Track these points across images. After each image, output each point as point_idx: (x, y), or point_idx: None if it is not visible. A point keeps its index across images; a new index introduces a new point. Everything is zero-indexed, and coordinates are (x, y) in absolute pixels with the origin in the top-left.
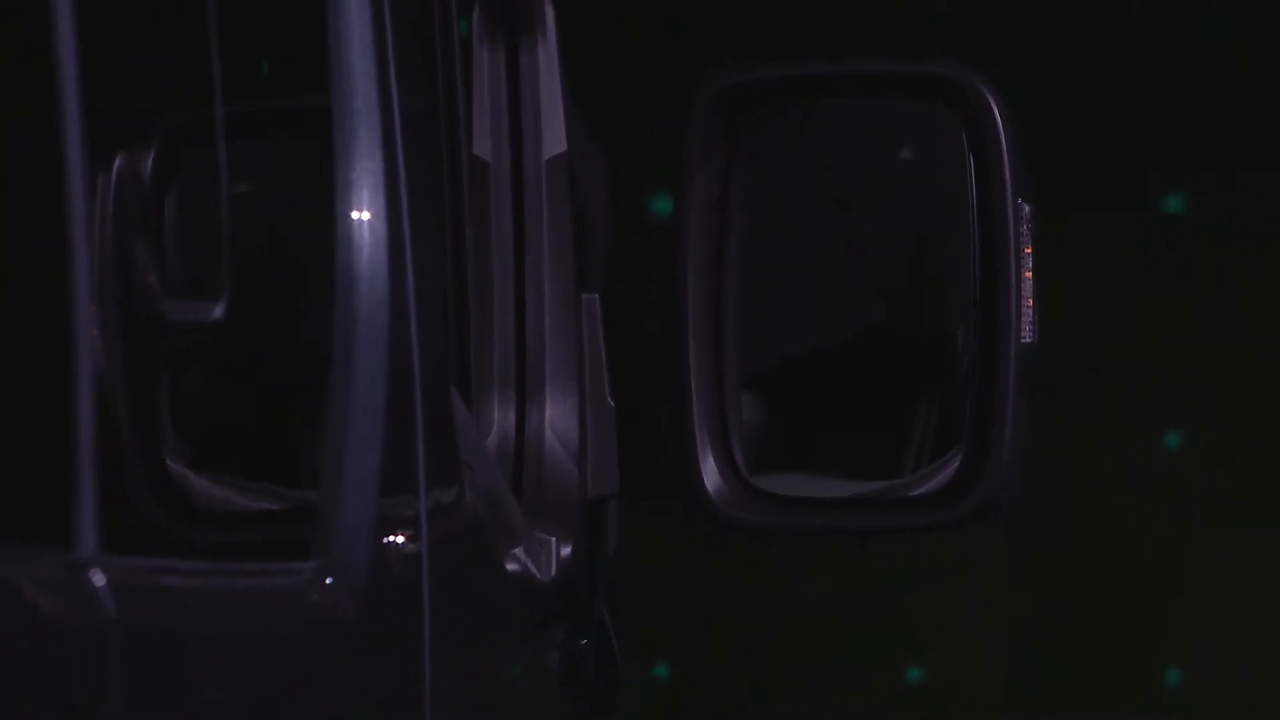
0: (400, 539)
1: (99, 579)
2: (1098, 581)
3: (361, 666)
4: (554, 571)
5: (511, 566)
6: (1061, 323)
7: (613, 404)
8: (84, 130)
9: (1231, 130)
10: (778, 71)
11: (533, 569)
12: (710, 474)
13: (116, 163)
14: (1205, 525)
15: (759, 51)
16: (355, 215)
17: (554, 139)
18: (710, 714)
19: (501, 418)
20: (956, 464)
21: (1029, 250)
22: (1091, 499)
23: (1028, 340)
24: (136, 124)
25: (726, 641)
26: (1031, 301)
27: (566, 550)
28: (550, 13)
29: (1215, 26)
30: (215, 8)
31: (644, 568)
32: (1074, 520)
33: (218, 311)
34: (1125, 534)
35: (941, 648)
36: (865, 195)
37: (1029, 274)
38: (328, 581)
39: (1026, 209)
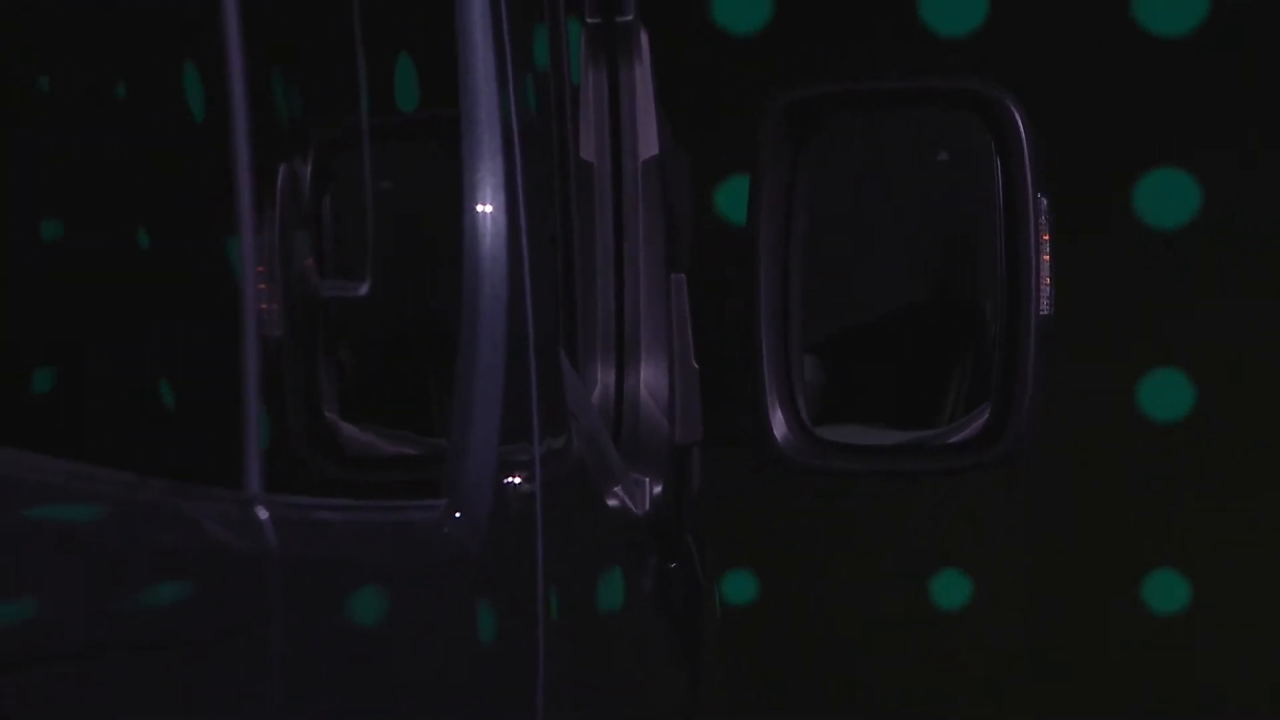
0: (517, 480)
1: (263, 514)
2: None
3: (484, 589)
4: (647, 507)
5: (612, 503)
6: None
7: (697, 366)
8: (255, 138)
9: (1236, 126)
10: (835, 87)
11: (629, 505)
12: (779, 425)
13: (283, 165)
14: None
15: (816, 70)
16: (480, 208)
17: (647, 144)
18: (776, 625)
19: (603, 378)
20: (986, 416)
21: (1046, 237)
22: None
23: (1045, 312)
24: (300, 133)
25: (790, 568)
26: (1048, 280)
27: (658, 489)
28: (645, 39)
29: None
30: (363, 37)
31: (721, 504)
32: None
33: (364, 289)
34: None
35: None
36: (909, 191)
37: (1046, 257)
38: (456, 516)
39: (1044, 202)
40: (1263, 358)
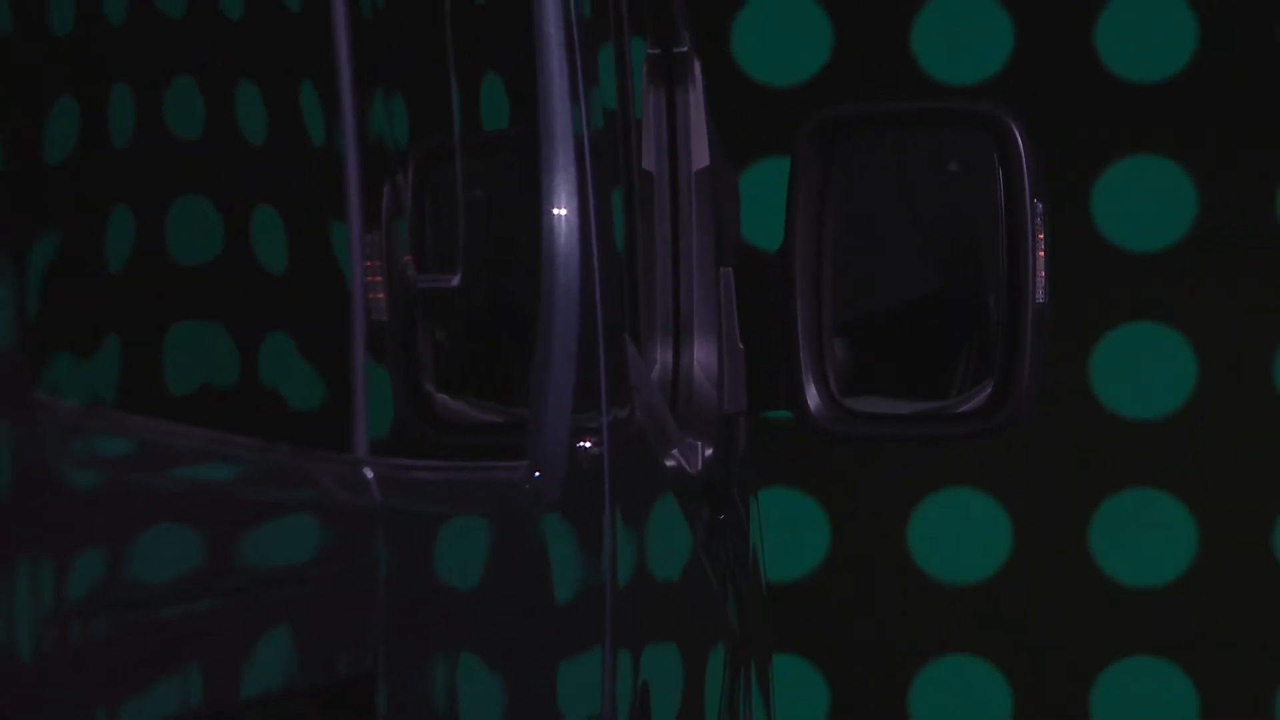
0: (588, 444)
1: (369, 474)
2: None
3: (560, 537)
4: (700, 467)
5: (669, 464)
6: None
7: (742, 347)
8: (364, 153)
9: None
10: (860, 108)
11: (684, 465)
12: (812, 397)
13: (388, 176)
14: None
15: (843, 94)
16: (556, 211)
17: (700, 156)
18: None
19: (662, 356)
20: (990, 389)
21: (1041, 235)
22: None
23: (1040, 301)
24: (402, 148)
25: (819, 517)
26: (1043, 273)
27: (709, 451)
28: (698, 66)
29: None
30: (456, 64)
31: (763, 465)
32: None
33: (456, 281)
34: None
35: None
36: (923, 197)
37: (1041, 253)
38: (535, 475)
39: (1040, 206)
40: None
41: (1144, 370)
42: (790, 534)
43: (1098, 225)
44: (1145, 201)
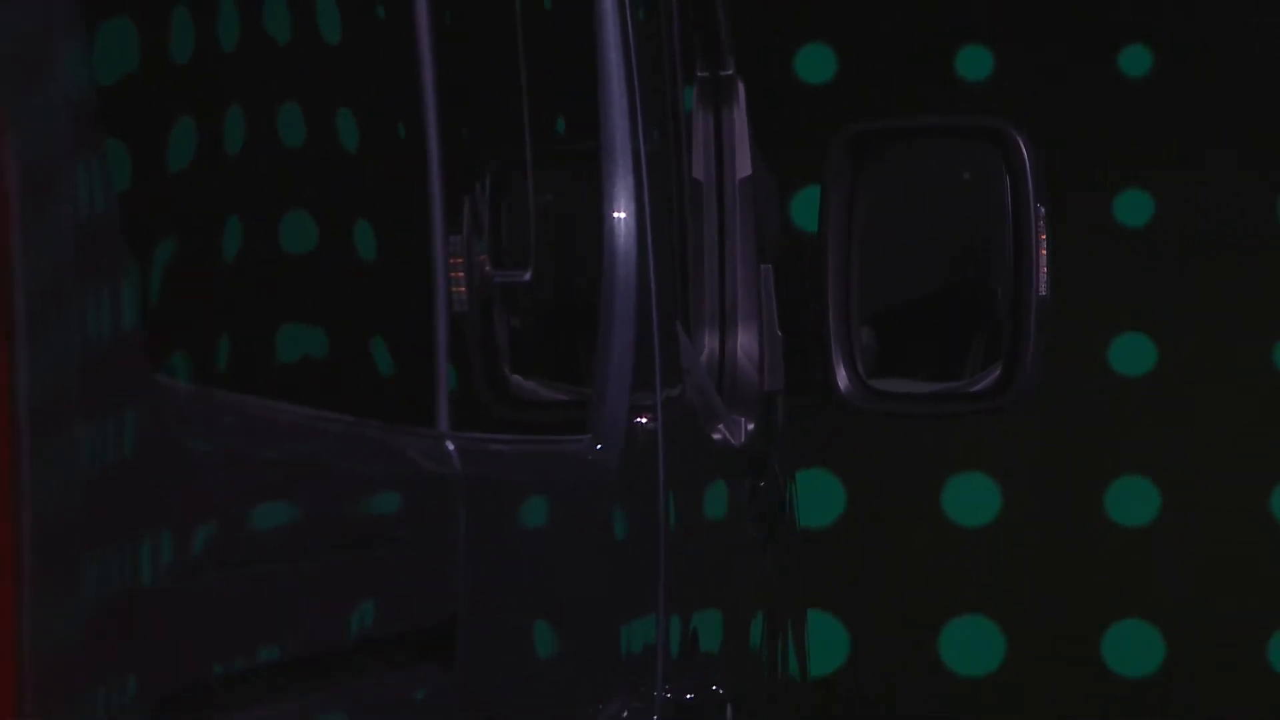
0: (644, 419)
1: (450, 446)
2: None
3: (620, 503)
4: (743, 439)
5: (716, 437)
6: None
7: (780, 334)
8: (447, 164)
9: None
10: (884, 123)
11: (729, 438)
12: (842, 378)
13: (468, 183)
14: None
15: (870, 111)
16: (616, 215)
17: (743, 166)
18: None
19: (710, 342)
20: (998, 371)
21: (1043, 236)
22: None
23: (1043, 294)
24: (480, 158)
25: (868, 484)
26: (1045, 269)
27: (751, 426)
28: (741, 89)
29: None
30: (528, 82)
31: (797, 439)
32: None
33: (527, 276)
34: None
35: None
36: (939, 201)
37: (1044, 251)
38: (598, 447)
39: (1042, 210)
40: (1208, 321)
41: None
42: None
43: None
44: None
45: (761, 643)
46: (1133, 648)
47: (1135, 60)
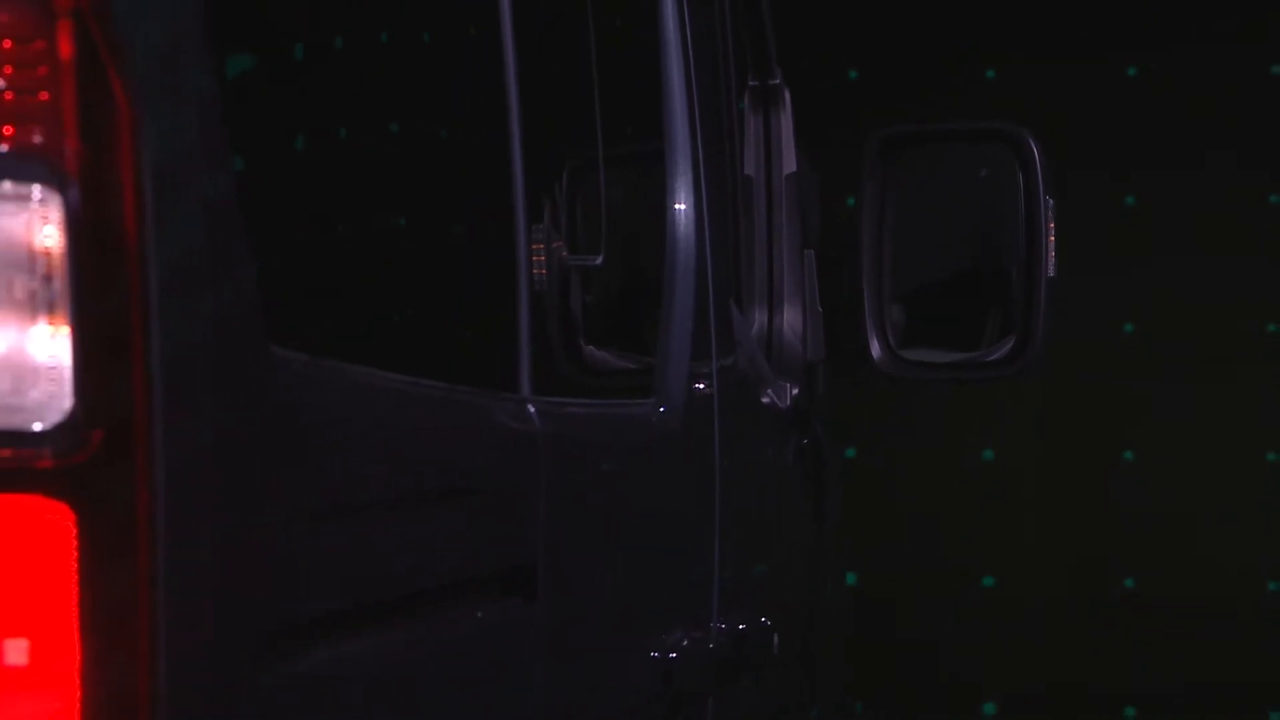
0: (702, 385)
1: (532, 409)
2: None
3: (680, 459)
4: (788, 403)
5: (764, 400)
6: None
7: (821, 310)
8: (529, 162)
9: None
10: (911, 127)
11: (777, 401)
12: (875, 347)
13: (549, 179)
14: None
15: (900, 113)
16: (678, 206)
17: (789, 164)
18: (873, 475)
19: (759, 317)
20: (1011, 342)
21: (1051, 224)
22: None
23: (1051, 275)
24: (560, 157)
25: (881, 442)
26: (1053, 254)
27: (795, 391)
28: (788, 95)
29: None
30: (601, 96)
31: (835, 403)
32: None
33: (599, 260)
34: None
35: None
36: (960, 195)
37: (1052, 238)
38: (661, 410)
39: (1050, 202)
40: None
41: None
42: None
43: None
44: None
45: (808, 581)
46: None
47: (1128, 73)
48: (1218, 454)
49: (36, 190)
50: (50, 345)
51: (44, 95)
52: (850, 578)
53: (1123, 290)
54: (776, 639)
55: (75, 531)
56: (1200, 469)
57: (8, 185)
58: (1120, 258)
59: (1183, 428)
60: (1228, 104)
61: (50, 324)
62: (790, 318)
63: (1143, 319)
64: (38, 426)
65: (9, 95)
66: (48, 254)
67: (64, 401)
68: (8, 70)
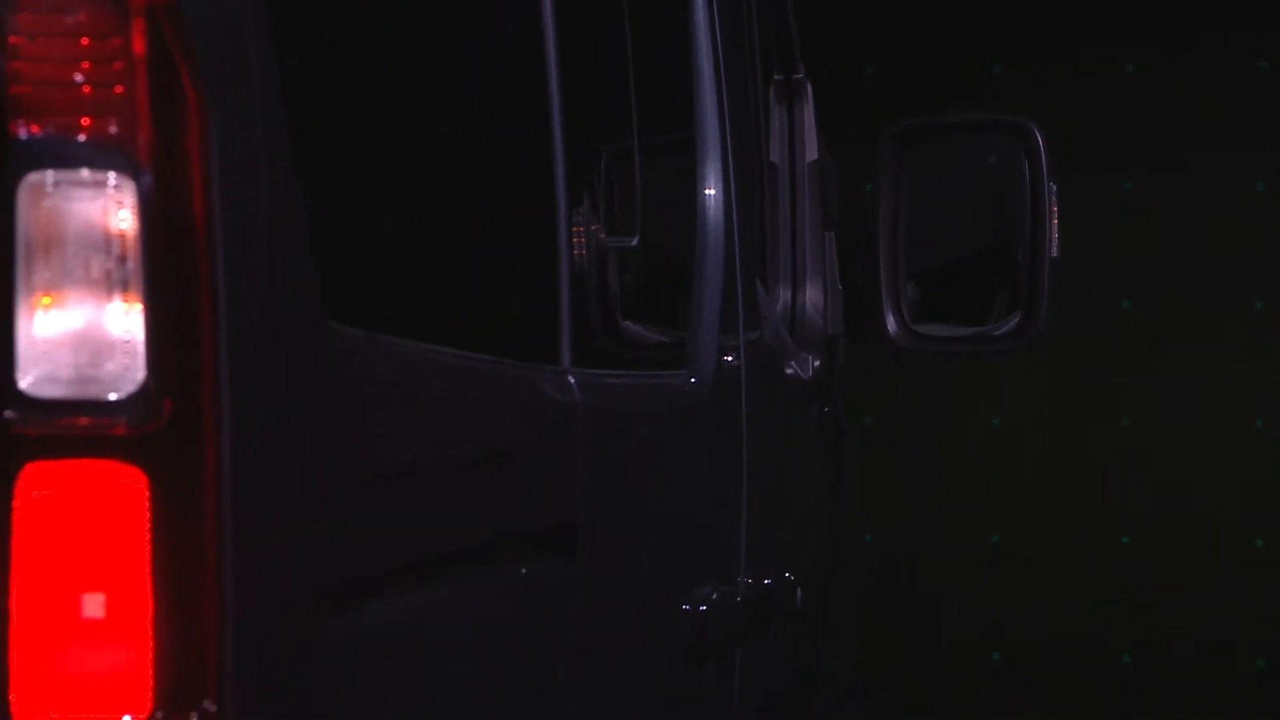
0: (730, 358)
1: (572, 379)
2: None
3: (710, 426)
4: (810, 374)
5: (789, 372)
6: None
7: (841, 287)
8: (570, 151)
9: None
10: (925, 120)
11: (799, 372)
12: (890, 323)
13: (588, 167)
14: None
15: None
16: (709, 191)
17: (811, 152)
18: (891, 442)
19: (783, 294)
20: (1017, 319)
21: (1054, 209)
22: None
23: (1054, 255)
24: (599, 146)
25: (896, 411)
26: (1056, 236)
27: (817, 363)
28: (809, 88)
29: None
30: (637, 90)
31: (853, 374)
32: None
33: (634, 241)
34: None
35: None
36: (971, 181)
37: (1055, 221)
38: (692, 380)
39: (1054, 188)
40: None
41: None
42: None
43: None
44: None
45: (828, 539)
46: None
47: (1126, 70)
48: (1209, 421)
49: (112, 177)
50: (124, 321)
51: (119, 89)
52: (867, 538)
53: (1120, 271)
54: (799, 592)
55: (147, 494)
56: (1191, 435)
57: (85, 173)
58: (1118, 242)
59: (1175, 397)
60: (1216, 96)
61: (124, 302)
62: (812, 295)
63: (1139, 298)
64: (113, 397)
65: (86, 89)
66: (122, 236)
67: (137, 373)
68: (85, 66)
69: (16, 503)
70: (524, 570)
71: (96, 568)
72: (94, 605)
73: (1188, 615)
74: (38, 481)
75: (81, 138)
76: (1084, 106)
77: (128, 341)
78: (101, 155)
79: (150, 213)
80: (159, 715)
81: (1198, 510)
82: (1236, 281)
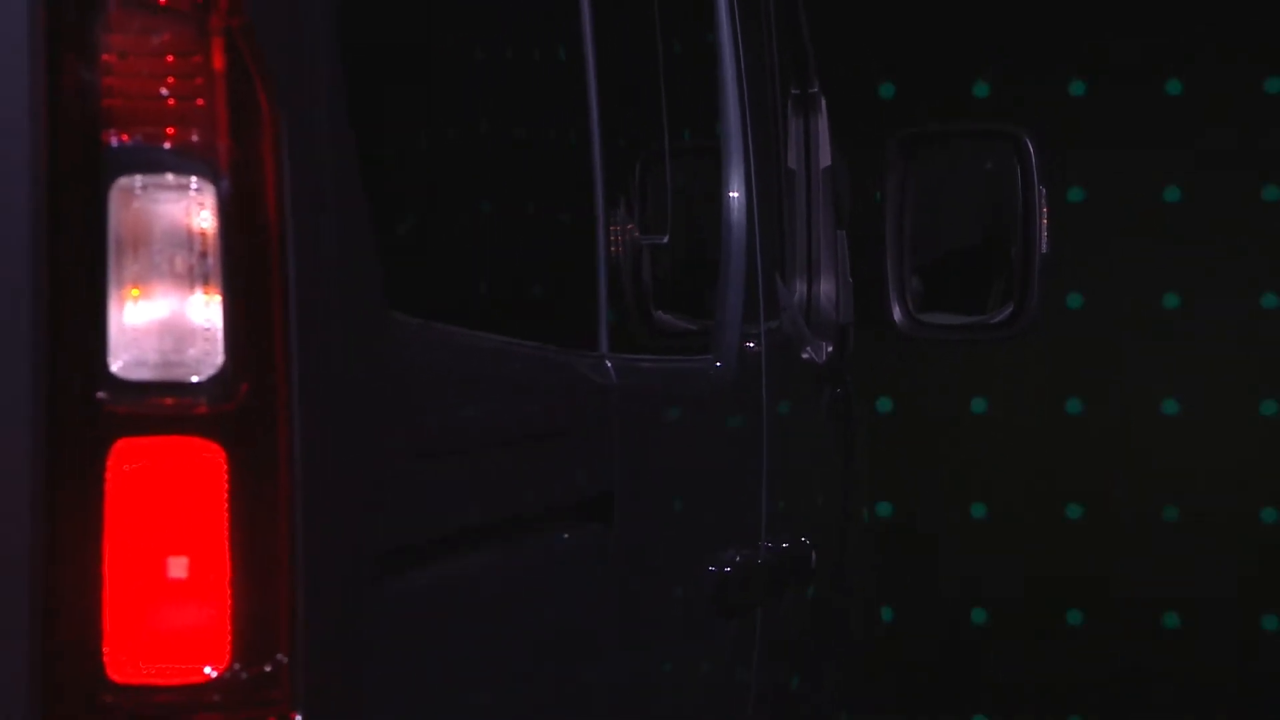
0: (752, 344)
1: (609, 364)
2: None
3: (733, 406)
4: (824, 359)
5: (804, 356)
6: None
7: (851, 281)
8: (607, 155)
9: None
10: (928, 128)
11: (814, 357)
12: (897, 312)
13: (624, 170)
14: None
15: (919, 118)
16: (732, 194)
17: (825, 159)
18: (902, 425)
19: (799, 287)
20: (1010, 309)
21: (1044, 209)
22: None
23: (1044, 251)
24: (632, 151)
25: (909, 393)
26: (1045, 234)
27: (829, 349)
28: (823, 102)
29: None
30: (668, 100)
31: (862, 359)
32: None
33: (665, 239)
34: None
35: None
36: (969, 183)
37: (1044, 221)
38: (718, 365)
39: (1043, 190)
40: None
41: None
42: None
43: None
44: None
45: (840, 507)
46: None
47: (1077, 88)
48: (1183, 401)
49: (194, 181)
50: (205, 311)
51: (200, 101)
52: (880, 508)
53: (1088, 266)
54: (814, 556)
55: (225, 467)
56: (1159, 414)
57: (170, 177)
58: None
59: (1150, 379)
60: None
61: (205, 293)
62: (825, 287)
63: (1105, 290)
64: (195, 379)
65: (170, 101)
66: (203, 234)
67: (216, 358)
68: (170, 80)
69: (109, 475)
70: (565, 535)
71: (180, 534)
72: (178, 567)
73: (1142, 575)
74: (127, 456)
75: (166, 145)
76: (1085, 121)
77: (208, 329)
78: (184, 161)
79: (228, 213)
80: (236, 666)
81: (1168, 477)
82: (1211, 272)
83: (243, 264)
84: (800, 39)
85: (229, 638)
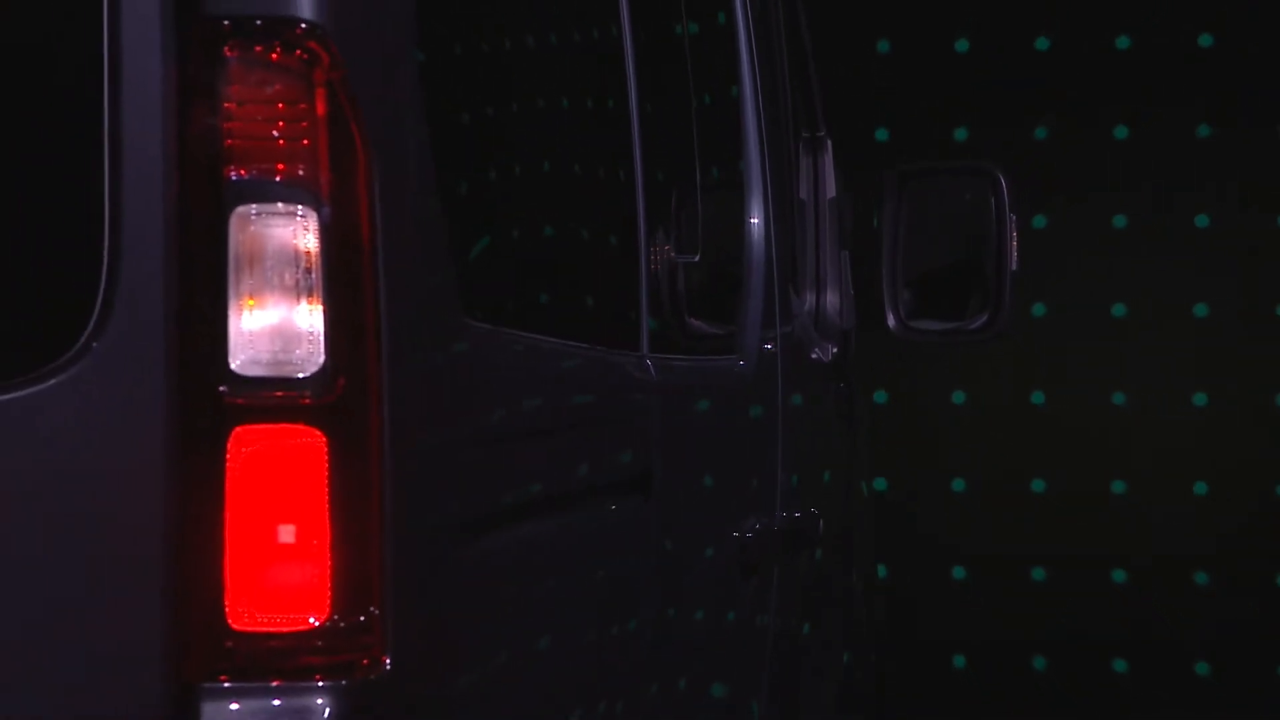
0: (769, 345)
1: (649, 363)
2: None
3: (754, 398)
4: (830, 358)
5: (813, 356)
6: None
7: (852, 292)
8: (647, 185)
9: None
10: (919, 165)
11: (821, 357)
12: (891, 319)
13: (661, 199)
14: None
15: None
16: (752, 220)
17: (830, 190)
18: (901, 418)
19: (809, 297)
20: (986, 316)
21: (1014, 233)
22: None
23: (1014, 268)
24: (665, 181)
25: (901, 387)
26: (1016, 255)
27: (834, 349)
28: (829, 142)
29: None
30: (700, 139)
31: (862, 358)
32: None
33: (697, 257)
34: None
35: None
36: (953, 211)
37: (1014, 243)
38: (740, 364)
39: (1014, 217)
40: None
41: None
42: None
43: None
44: None
45: (843, 483)
46: None
47: (1040, 133)
48: (1130, 393)
49: (300, 209)
50: (309, 318)
51: (305, 142)
52: (877, 483)
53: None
54: (822, 524)
55: (326, 449)
56: (1110, 404)
57: (280, 205)
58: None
59: (1102, 375)
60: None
61: (309, 303)
62: (831, 298)
63: (1064, 301)
64: (301, 375)
65: (281, 141)
66: (308, 253)
67: (319, 358)
68: (280, 124)
69: (229, 456)
70: (613, 507)
71: (288, 506)
72: (287, 534)
73: (1095, 533)
74: (244, 440)
75: (277, 179)
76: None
77: (312, 333)
78: (292, 192)
79: (328, 235)
80: (335, 617)
81: (1127, 449)
82: (1176, 277)
83: (340, 278)
84: (810, 90)
85: (329, 593)
